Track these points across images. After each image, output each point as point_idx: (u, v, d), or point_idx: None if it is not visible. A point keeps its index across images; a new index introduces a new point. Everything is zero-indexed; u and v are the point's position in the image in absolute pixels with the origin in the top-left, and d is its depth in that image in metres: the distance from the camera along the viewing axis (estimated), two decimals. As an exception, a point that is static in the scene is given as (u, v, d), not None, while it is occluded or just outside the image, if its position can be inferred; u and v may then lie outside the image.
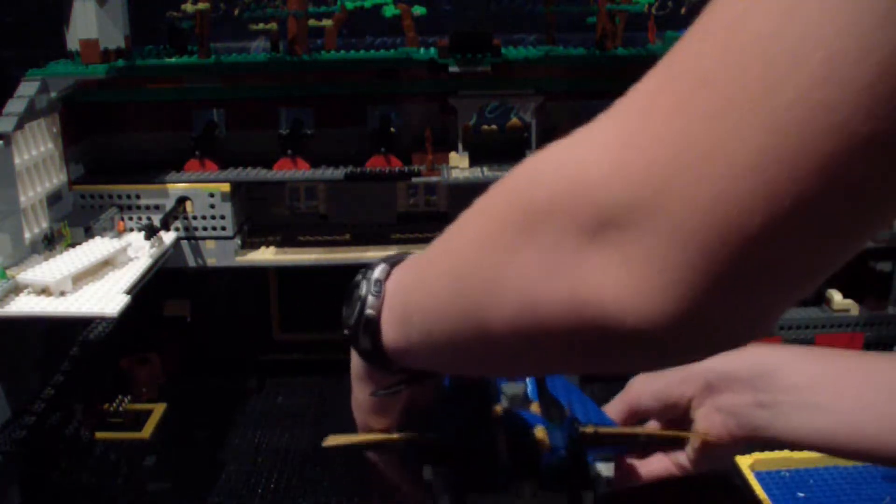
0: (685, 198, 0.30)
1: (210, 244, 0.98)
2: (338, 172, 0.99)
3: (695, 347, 0.34)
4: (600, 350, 0.35)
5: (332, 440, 0.59)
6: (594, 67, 1.01)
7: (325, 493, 0.87)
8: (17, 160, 0.83)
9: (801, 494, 0.83)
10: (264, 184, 1.05)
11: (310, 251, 1.01)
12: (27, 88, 0.87)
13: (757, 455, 0.87)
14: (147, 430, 0.95)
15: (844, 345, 1.08)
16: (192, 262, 0.99)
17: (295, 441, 0.97)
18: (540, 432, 0.56)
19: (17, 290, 0.77)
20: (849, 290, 1.09)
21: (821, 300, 1.10)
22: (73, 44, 0.93)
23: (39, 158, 0.89)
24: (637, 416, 0.66)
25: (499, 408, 0.59)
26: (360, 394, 0.56)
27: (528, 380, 0.62)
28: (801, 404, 0.56)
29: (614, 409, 0.66)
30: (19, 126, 0.84)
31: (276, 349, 1.14)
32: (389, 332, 0.49)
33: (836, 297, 1.08)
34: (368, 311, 0.49)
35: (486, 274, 0.38)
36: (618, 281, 0.32)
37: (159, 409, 0.99)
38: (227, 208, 0.97)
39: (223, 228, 0.98)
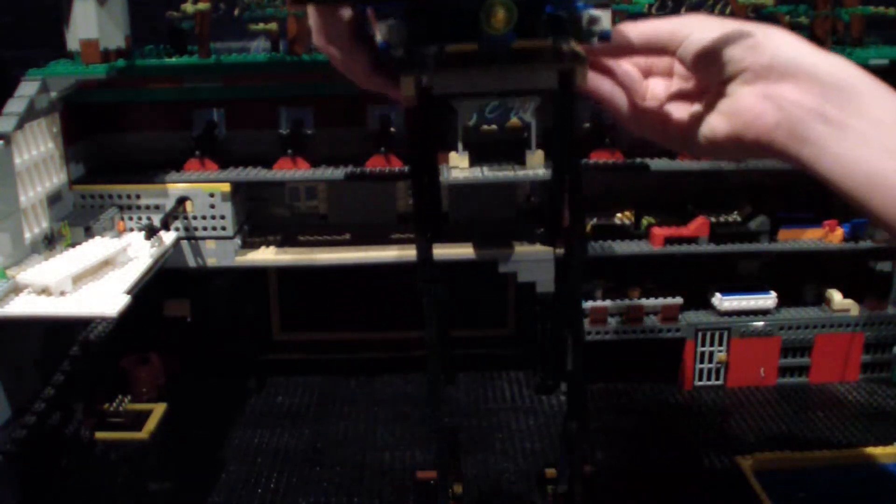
0: None
1: (210, 244, 0.98)
2: (338, 172, 0.99)
3: None
4: None
5: None
6: (594, 67, 1.01)
7: (325, 493, 0.87)
8: (17, 160, 0.83)
9: (802, 495, 0.83)
10: (264, 184, 1.05)
11: (310, 251, 1.01)
12: (27, 88, 0.88)
13: (757, 455, 0.87)
14: (147, 430, 0.95)
15: (844, 345, 1.08)
16: (192, 262, 0.99)
17: (295, 441, 0.97)
18: None
19: (17, 290, 0.77)
20: (849, 290, 1.09)
21: (821, 300, 1.10)
22: (73, 44, 0.93)
23: (39, 158, 0.89)
24: (672, 45, 0.54)
25: None
26: None
27: None
28: (875, 142, 0.46)
29: (656, 22, 0.55)
30: (19, 126, 0.84)
31: (276, 349, 1.14)
32: None
33: (836, 297, 1.08)
34: None
35: None
36: None
37: (159, 409, 0.99)
38: (227, 208, 0.97)
39: (223, 228, 0.98)
